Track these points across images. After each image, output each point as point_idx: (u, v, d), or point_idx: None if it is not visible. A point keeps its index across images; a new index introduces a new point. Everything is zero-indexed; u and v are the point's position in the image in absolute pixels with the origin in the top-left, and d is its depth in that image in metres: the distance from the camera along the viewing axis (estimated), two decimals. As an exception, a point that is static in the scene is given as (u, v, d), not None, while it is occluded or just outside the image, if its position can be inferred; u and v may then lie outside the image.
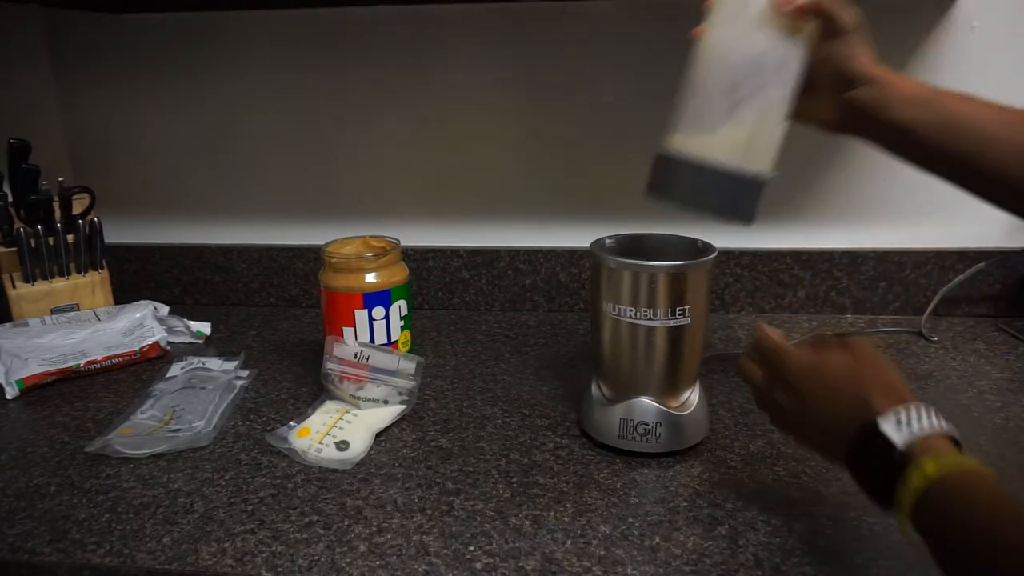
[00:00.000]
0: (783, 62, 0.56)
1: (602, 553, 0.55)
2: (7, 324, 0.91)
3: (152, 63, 1.07)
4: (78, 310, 0.97)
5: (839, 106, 0.57)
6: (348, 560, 0.54)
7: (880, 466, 0.43)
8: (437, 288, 1.10)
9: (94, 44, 1.08)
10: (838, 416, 0.48)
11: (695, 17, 1.02)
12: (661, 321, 0.63)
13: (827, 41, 0.55)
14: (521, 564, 0.54)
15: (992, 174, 0.53)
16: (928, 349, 0.92)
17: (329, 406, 0.75)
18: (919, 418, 0.43)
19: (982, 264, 0.97)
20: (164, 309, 0.98)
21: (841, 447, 0.47)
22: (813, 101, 0.58)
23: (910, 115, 0.54)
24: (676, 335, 0.65)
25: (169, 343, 0.95)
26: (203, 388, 0.80)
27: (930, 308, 0.97)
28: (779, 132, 0.58)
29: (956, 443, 0.44)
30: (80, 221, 0.97)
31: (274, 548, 0.56)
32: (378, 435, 0.72)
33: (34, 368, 0.83)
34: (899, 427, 0.43)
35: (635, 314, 0.64)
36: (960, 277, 0.97)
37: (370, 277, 0.80)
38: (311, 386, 0.84)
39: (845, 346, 0.52)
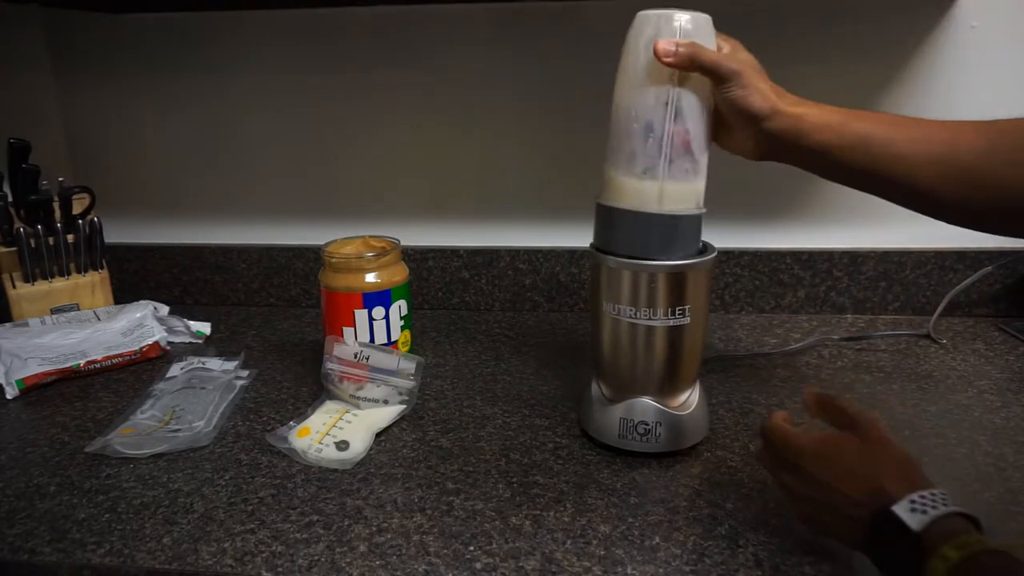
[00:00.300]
0: (679, 112, 0.60)
1: (602, 553, 0.55)
2: (7, 324, 0.91)
3: (152, 63, 1.07)
4: (78, 310, 0.97)
5: (755, 138, 0.60)
6: (348, 560, 0.54)
7: (899, 553, 0.43)
8: (437, 288, 1.10)
9: (94, 44, 1.08)
10: (851, 501, 0.47)
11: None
12: (661, 321, 0.63)
13: (719, 87, 0.59)
14: (521, 564, 0.54)
15: (906, 187, 0.57)
16: (928, 349, 0.92)
17: (329, 406, 0.75)
18: (934, 503, 0.43)
19: (989, 268, 0.96)
20: (164, 309, 0.98)
21: (856, 533, 0.47)
22: (731, 136, 0.62)
23: (822, 140, 0.58)
24: (676, 335, 0.64)
25: (169, 343, 0.95)
26: (203, 388, 0.80)
27: (938, 311, 0.96)
28: (697, 173, 0.62)
29: (973, 521, 0.43)
30: (80, 221, 0.97)
31: (274, 548, 0.56)
32: (378, 435, 0.72)
33: (34, 368, 0.83)
34: (914, 512, 0.43)
35: (635, 314, 0.64)
36: (968, 280, 0.96)
37: (370, 277, 0.80)
38: (311, 386, 0.84)
39: (853, 426, 0.52)
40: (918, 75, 0.96)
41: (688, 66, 0.58)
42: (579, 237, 1.06)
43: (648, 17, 0.60)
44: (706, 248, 0.66)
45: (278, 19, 1.03)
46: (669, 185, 0.61)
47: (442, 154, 1.07)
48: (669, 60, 0.57)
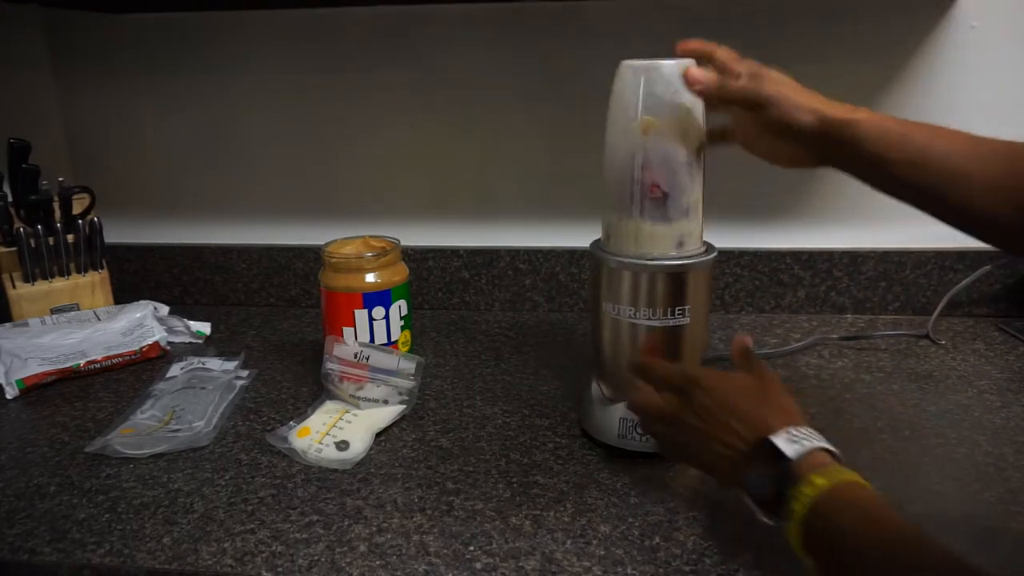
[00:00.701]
0: (647, 164, 0.61)
1: (602, 553, 0.55)
2: (7, 324, 0.91)
3: (152, 63, 1.07)
4: (78, 310, 0.97)
5: (806, 150, 0.59)
6: (348, 560, 0.54)
7: (772, 478, 0.48)
8: (437, 288, 1.10)
9: (94, 44, 1.08)
10: (739, 433, 0.52)
11: (695, 17, 1.02)
12: (660, 321, 0.63)
13: (757, 114, 0.58)
14: (521, 564, 0.54)
15: (960, 207, 0.54)
16: (928, 349, 0.92)
17: (329, 406, 0.75)
18: (808, 437, 0.48)
19: (988, 267, 0.96)
20: (164, 309, 0.98)
21: (734, 464, 0.51)
22: (789, 153, 0.61)
23: (881, 152, 0.55)
24: (676, 335, 0.64)
25: (169, 343, 0.95)
26: (203, 388, 0.80)
27: (937, 311, 0.96)
28: (670, 220, 0.62)
29: (836, 458, 0.49)
30: (80, 221, 0.97)
31: (274, 548, 0.56)
32: (378, 435, 0.72)
33: (34, 368, 0.83)
34: (790, 443, 0.48)
35: (635, 314, 0.64)
36: (967, 280, 0.96)
37: (370, 277, 0.80)
38: (311, 386, 0.84)
39: (751, 368, 0.57)
40: (918, 75, 0.96)
41: (717, 97, 0.58)
42: (579, 237, 1.06)
43: (627, 67, 0.61)
44: (707, 248, 0.66)
45: (278, 19, 1.03)
46: (645, 227, 0.62)
47: (442, 154, 1.07)
48: (699, 88, 0.58)
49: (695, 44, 0.59)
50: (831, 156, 0.58)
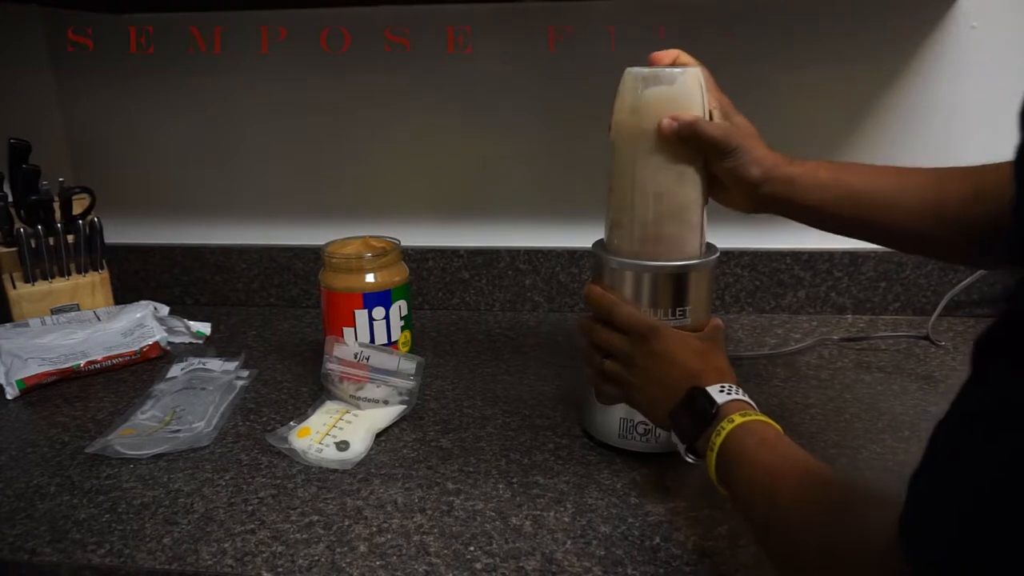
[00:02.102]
0: (667, 166, 0.61)
1: (602, 553, 0.55)
2: (7, 324, 0.91)
3: (152, 63, 1.07)
4: (78, 310, 0.97)
5: (750, 198, 0.63)
6: (348, 560, 0.54)
7: (700, 417, 0.55)
8: (437, 288, 1.10)
9: (94, 44, 1.08)
10: (678, 381, 0.58)
11: (695, 17, 1.02)
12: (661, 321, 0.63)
13: (719, 159, 0.60)
14: (521, 564, 0.54)
15: (899, 235, 0.61)
16: (929, 350, 0.92)
17: (329, 406, 0.75)
18: (737, 391, 0.55)
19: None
20: (164, 309, 0.98)
21: (670, 407, 0.58)
22: (728, 196, 0.65)
23: (814, 198, 0.61)
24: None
25: (169, 343, 0.95)
26: (203, 388, 0.80)
27: (937, 312, 0.96)
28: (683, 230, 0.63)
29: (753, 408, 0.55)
30: (80, 221, 0.97)
31: (274, 548, 0.56)
32: (378, 435, 0.72)
33: (34, 368, 0.83)
34: (720, 392, 0.55)
35: (635, 314, 0.64)
36: (966, 281, 0.96)
37: (370, 277, 0.80)
38: (311, 386, 0.84)
39: (706, 329, 0.64)
40: (918, 75, 0.95)
41: (691, 139, 0.59)
42: (579, 237, 1.06)
43: (631, 74, 0.61)
44: (709, 249, 0.66)
45: (278, 19, 1.03)
46: (648, 229, 0.62)
47: (442, 154, 1.07)
48: (673, 137, 0.59)
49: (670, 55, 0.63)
50: (769, 206, 0.63)
